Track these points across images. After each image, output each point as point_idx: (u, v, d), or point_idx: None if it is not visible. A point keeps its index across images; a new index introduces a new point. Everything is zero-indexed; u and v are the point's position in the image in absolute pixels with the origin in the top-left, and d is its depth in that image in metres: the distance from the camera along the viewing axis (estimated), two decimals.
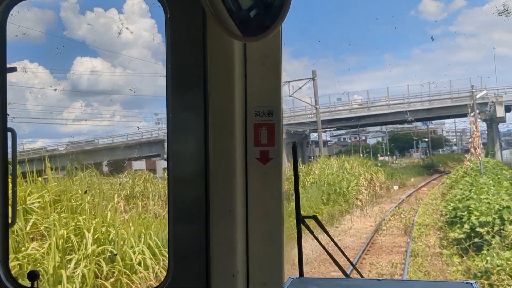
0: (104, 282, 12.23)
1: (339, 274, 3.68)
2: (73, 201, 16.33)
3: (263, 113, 3.29)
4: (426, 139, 74.65)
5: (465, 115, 50.49)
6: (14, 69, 4.00)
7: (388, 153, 75.55)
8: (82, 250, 12.62)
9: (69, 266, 12.16)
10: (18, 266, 11.77)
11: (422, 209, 28.08)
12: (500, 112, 46.16)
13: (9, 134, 3.76)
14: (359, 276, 3.89)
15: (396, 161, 69.77)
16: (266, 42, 3.00)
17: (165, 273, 4.09)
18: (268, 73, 3.31)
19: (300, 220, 3.30)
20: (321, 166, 34.28)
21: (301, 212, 3.38)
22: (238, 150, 3.30)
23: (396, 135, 79.07)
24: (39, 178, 16.89)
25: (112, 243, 13.42)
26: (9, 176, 3.87)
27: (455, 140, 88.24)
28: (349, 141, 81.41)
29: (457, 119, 70.27)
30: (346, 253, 3.64)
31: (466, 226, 16.96)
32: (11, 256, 11.69)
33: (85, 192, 19.15)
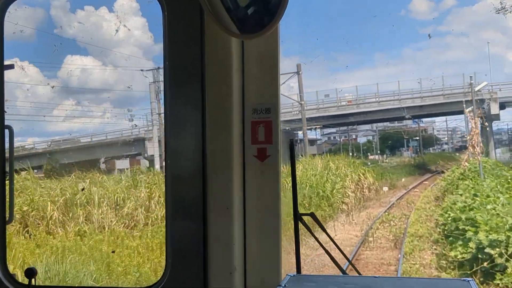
0: None
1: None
2: None
3: (261, 111, 3.21)
4: (417, 138, 71.41)
5: (460, 112, 47.20)
6: (11, 67, 4.04)
7: (379, 152, 73.05)
8: None
9: None
10: None
11: (414, 215, 24.19)
12: (494, 109, 42.97)
13: (6, 131, 3.68)
14: (356, 273, 3.68)
15: (387, 160, 66.76)
16: (264, 39, 2.99)
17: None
18: (266, 70, 3.23)
19: (297, 217, 3.24)
20: (304, 166, 30.36)
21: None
22: (235, 148, 3.23)
23: (386, 133, 76.61)
24: None
25: None
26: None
27: (446, 138, 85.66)
28: (340, 139, 78.84)
29: (448, 118, 67.56)
30: (342, 251, 3.57)
31: (471, 244, 13.03)
32: None
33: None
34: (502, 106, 47.32)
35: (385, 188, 35.89)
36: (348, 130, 73.13)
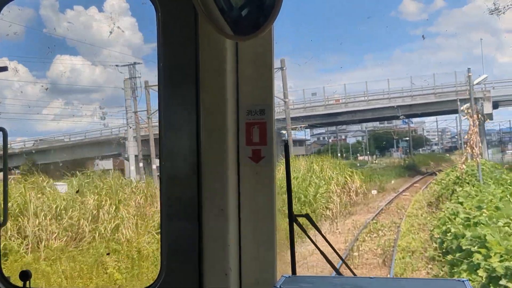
0: None
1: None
2: None
3: (255, 112, 3.15)
4: (407, 138, 68.72)
5: (451, 112, 44.33)
6: (5, 69, 4.01)
7: (368, 152, 70.56)
8: None
9: None
10: None
11: (405, 224, 21.00)
12: (487, 108, 40.41)
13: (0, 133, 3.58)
14: (351, 274, 3.54)
15: (376, 161, 63.84)
16: (258, 41, 2.97)
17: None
18: (260, 72, 3.17)
19: (292, 218, 3.22)
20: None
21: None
22: (230, 149, 3.16)
23: (376, 134, 74.05)
24: None
25: None
26: None
27: (436, 139, 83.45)
28: (329, 140, 76.34)
29: (439, 118, 65.06)
30: (337, 252, 3.57)
31: (480, 272, 9.81)
32: None
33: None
34: (495, 105, 44.87)
35: (374, 192, 32.80)
36: (337, 131, 70.47)
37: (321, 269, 15.61)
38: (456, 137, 67.00)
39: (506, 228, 11.40)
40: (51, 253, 14.42)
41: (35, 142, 45.29)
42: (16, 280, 3.46)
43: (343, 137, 78.65)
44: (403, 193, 32.89)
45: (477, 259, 10.20)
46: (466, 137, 23.10)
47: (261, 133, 3.13)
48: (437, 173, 41.90)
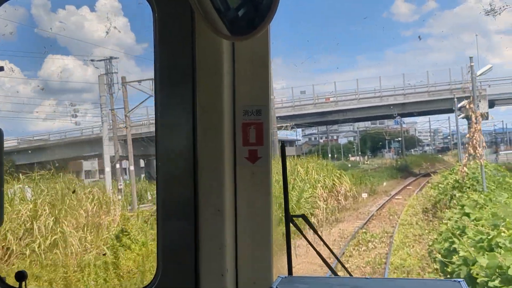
0: None
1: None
2: None
3: (252, 112, 3.05)
4: (399, 139, 65.91)
5: (446, 111, 41.47)
6: (1, 69, 2.98)
7: (360, 153, 67.82)
8: None
9: None
10: None
11: (398, 234, 17.95)
12: (483, 107, 37.52)
13: None
14: (348, 275, 3.62)
15: (368, 162, 61.00)
16: (255, 41, 2.87)
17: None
18: (257, 72, 3.07)
19: (288, 219, 3.16)
20: None
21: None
22: (226, 149, 3.04)
23: (368, 134, 71.32)
24: None
25: None
26: None
27: (428, 140, 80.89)
28: (320, 140, 73.58)
29: (431, 118, 62.38)
30: (334, 252, 3.55)
31: None
32: None
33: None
34: (491, 104, 42.15)
35: (364, 195, 29.73)
36: (327, 131, 67.59)
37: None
38: (449, 137, 64.56)
39: None
40: None
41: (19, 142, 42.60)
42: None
43: (335, 137, 76.05)
44: (396, 197, 29.90)
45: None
46: (467, 136, 20.10)
47: (258, 133, 3.05)
48: (431, 174, 38.99)
